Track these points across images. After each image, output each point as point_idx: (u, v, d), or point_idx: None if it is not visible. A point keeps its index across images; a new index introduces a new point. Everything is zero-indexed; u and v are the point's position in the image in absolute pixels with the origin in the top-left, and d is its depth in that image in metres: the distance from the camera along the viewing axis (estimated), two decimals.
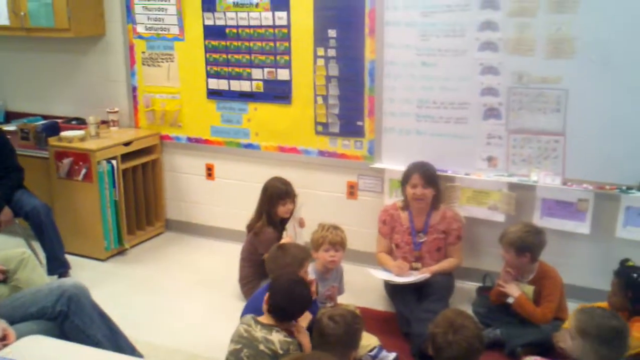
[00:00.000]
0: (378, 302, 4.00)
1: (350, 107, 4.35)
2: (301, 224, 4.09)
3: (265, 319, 2.75)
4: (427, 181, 3.83)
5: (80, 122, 5.10)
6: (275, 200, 4.00)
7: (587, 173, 3.79)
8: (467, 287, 4.12)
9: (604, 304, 3.18)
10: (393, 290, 3.82)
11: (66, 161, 4.55)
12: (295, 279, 2.86)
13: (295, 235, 4.01)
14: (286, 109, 4.56)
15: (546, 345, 3.22)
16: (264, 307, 2.77)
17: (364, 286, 4.12)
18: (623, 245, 3.69)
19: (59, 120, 5.11)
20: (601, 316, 2.53)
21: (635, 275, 3.01)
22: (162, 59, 4.94)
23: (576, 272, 3.88)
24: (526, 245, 3.45)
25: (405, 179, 3.91)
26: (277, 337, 2.64)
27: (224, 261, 4.56)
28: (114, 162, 4.62)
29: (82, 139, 4.65)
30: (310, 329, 2.80)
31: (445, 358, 2.34)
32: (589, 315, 2.57)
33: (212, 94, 4.80)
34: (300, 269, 3.15)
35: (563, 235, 3.86)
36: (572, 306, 3.33)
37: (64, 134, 4.70)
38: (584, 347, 2.49)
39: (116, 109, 5.11)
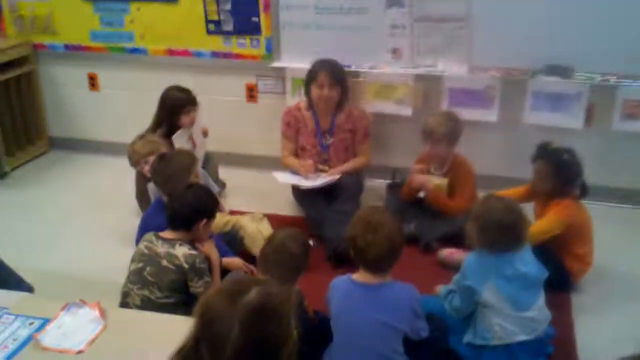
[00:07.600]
0: (284, 206, 3.90)
1: (244, 2, 4.08)
2: (205, 133, 3.96)
3: (167, 233, 2.60)
4: (335, 81, 3.63)
5: None
6: (178, 110, 3.77)
7: (493, 60, 3.72)
8: (377, 184, 4.05)
9: (521, 188, 3.21)
10: (301, 194, 3.71)
11: None
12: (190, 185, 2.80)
13: (200, 144, 3.87)
14: (172, 7, 4.22)
15: (460, 237, 3.17)
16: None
17: (269, 192, 4.02)
18: (530, 131, 3.70)
19: None
20: (490, 207, 2.49)
21: (566, 156, 2.96)
22: None
23: (485, 160, 3.82)
24: (457, 134, 3.45)
25: (311, 78, 3.69)
26: (181, 251, 2.49)
27: (116, 178, 4.30)
28: None
29: None
30: None
31: (368, 259, 2.24)
32: (482, 203, 2.57)
33: None
34: (188, 175, 3.00)
35: (471, 125, 3.78)
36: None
37: None
38: (471, 231, 2.50)
39: None
